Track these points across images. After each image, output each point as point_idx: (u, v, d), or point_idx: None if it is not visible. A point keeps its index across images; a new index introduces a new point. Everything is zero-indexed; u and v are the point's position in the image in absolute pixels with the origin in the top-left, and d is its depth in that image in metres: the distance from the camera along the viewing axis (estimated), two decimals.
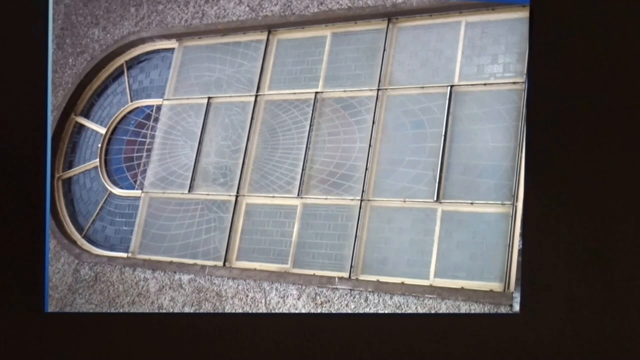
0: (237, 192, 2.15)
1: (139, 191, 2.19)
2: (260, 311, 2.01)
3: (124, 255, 2.14)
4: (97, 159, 2.20)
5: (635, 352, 2.05)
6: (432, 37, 2.07)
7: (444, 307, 1.93)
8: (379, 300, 1.97)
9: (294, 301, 2.00)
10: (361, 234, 2.02)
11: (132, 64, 2.26)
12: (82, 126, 2.21)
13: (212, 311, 2.02)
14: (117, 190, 2.20)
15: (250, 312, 2.01)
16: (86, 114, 2.21)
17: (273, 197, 2.13)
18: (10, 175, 1.82)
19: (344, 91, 2.12)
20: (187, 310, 2.03)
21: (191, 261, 2.11)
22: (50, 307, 1.93)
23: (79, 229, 2.16)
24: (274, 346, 1.94)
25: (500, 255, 1.92)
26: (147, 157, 2.20)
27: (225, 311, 2.02)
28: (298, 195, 2.10)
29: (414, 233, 1.99)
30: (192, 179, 2.18)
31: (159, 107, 2.23)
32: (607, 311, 2.04)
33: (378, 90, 2.09)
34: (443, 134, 2.00)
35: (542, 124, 2.00)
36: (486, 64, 2.01)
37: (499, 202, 1.93)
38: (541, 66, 1.99)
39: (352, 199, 2.05)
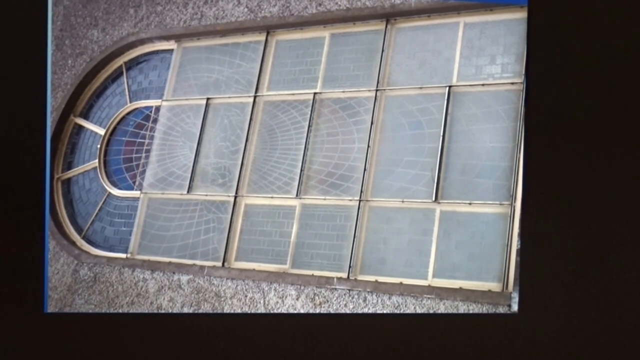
0: (236, 193, 2.15)
1: (138, 192, 2.20)
2: (259, 311, 2.01)
3: (123, 255, 2.15)
4: (96, 160, 2.20)
5: (633, 352, 2.05)
6: (430, 37, 2.07)
7: (442, 307, 1.93)
8: (377, 301, 1.97)
9: (292, 301, 2.01)
10: (360, 234, 2.03)
11: (131, 65, 2.26)
12: (81, 127, 2.21)
13: (211, 311, 2.02)
14: (116, 191, 2.20)
15: (249, 312, 2.01)
16: (85, 115, 2.22)
17: (272, 197, 2.13)
18: (10, 176, 1.82)
19: (343, 92, 2.13)
20: (186, 310, 2.03)
21: (190, 262, 2.12)
22: (49, 307, 1.93)
23: (78, 229, 2.17)
24: (272, 346, 1.94)
25: (499, 256, 1.92)
26: (146, 158, 2.21)
27: (224, 311, 2.02)
28: (297, 195, 2.10)
29: (412, 233, 1.99)
30: (191, 180, 2.18)
31: (157, 108, 2.23)
32: (605, 311, 2.04)
33: (376, 91, 2.09)
34: (441, 134, 2.00)
35: (540, 124, 2.00)
36: (484, 65, 2.01)
37: (498, 202, 1.93)
38: (539, 67, 1.99)
39: (350, 200, 2.06)
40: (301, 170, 2.11)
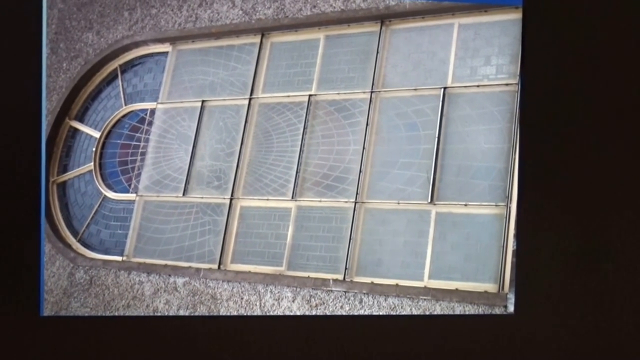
0: (232, 195, 2.15)
1: (134, 195, 2.20)
2: (255, 314, 2.01)
3: (119, 258, 2.15)
4: (92, 163, 2.20)
5: (629, 353, 2.05)
6: (425, 39, 2.07)
7: (438, 308, 1.94)
8: (373, 302, 1.97)
9: (288, 303, 2.01)
10: (355, 236, 2.03)
11: (126, 67, 2.26)
12: (76, 130, 2.21)
13: (207, 314, 2.02)
14: (111, 194, 2.20)
15: (245, 314, 2.01)
16: (80, 118, 2.22)
17: (267, 199, 2.13)
18: (5, 180, 1.82)
19: (338, 94, 2.13)
20: (182, 313, 2.03)
21: (186, 264, 2.11)
22: (45, 310, 1.93)
23: (74, 232, 2.16)
24: (268, 349, 1.94)
25: (495, 257, 1.93)
26: (142, 161, 2.20)
27: (220, 314, 2.02)
28: (292, 197, 2.10)
29: (408, 235, 1.99)
30: (187, 182, 2.18)
31: (153, 111, 2.23)
32: (600, 312, 2.04)
33: (371, 92, 2.09)
34: (436, 135, 2.01)
35: (535, 125, 2.00)
36: (479, 66, 2.01)
37: (493, 204, 1.93)
38: (534, 67, 2.00)
39: (346, 201, 2.06)
40: (297, 172, 2.11)
